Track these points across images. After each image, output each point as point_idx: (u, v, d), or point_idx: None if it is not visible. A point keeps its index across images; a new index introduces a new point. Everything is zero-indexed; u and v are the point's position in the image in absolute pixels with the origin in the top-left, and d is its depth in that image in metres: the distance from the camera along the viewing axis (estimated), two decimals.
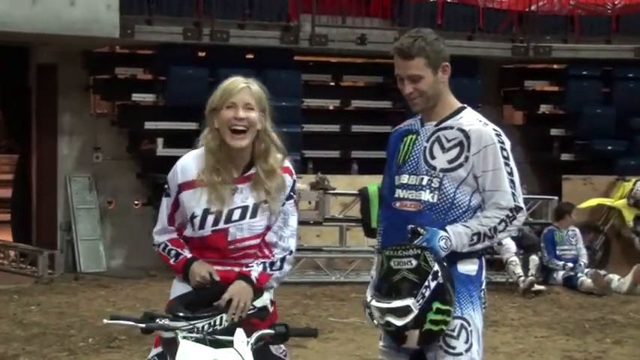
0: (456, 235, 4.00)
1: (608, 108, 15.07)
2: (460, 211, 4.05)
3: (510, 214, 4.04)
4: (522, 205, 4.09)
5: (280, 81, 13.47)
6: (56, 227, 13.20)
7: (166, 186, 4.00)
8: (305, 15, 13.53)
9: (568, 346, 8.78)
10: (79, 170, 13.40)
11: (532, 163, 15.31)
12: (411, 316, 3.89)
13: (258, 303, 3.73)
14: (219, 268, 3.89)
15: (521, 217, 4.08)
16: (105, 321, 3.55)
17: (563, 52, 14.85)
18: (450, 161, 4.06)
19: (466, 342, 4.03)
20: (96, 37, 11.98)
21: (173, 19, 12.88)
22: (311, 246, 12.30)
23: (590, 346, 8.78)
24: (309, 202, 12.38)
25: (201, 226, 3.87)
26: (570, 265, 11.99)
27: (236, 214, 3.86)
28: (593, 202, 13.68)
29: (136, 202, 13.48)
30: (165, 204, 3.99)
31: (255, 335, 3.53)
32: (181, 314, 3.58)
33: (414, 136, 4.18)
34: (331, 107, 15.00)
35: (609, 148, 14.88)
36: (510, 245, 11.56)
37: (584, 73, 15.01)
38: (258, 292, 3.81)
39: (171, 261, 3.96)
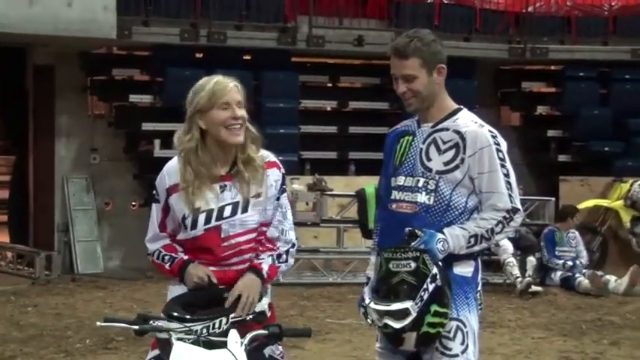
0: (453, 238, 4.00)
1: (605, 109, 15.08)
2: (456, 213, 4.05)
3: (507, 216, 4.04)
4: (519, 206, 4.09)
5: (277, 82, 13.52)
6: (53, 228, 13.19)
7: (154, 192, 4.01)
8: (302, 16, 13.54)
9: (565, 347, 8.78)
10: (76, 171, 13.40)
11: (529, 165, 15.32)
12: (409, 319, 3.89)
13: (257, 307, 3.73)
14: (215, 268, 3.89)
15: (518, 219, 4.08)
16: (99, 323, 3.55)
17: (560, 54, 14.86)
18: (446, 163, 4.06)
19: (462, 343, 4.04)
20: (93, 38, 11.99)
21: (170, 21, 12.88)
22: (308, 247, 12.29)
23: (587, 347, 8.78)
24: (307, 204, 12.38)
25: (194, 225, 3.88)
26: (570, 263, 12.00)
27: (227, 211, 3.88)
28: (590, 203, 13.68)
29: (133, 203, 13.48)
30: (156, 210, 4.00)
31: (248, 336, 3.53)
32: (178, 315, 3.58)
33: (411, 138, 4.18)
34: (328, 108, 15.00)
35: (606, 149, 14.89)
36: (507, 246, 11.56)
37: (581, 74, 15.02)
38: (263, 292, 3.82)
39: (167, 266, 3.96)
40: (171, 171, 3.95)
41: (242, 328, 3.61)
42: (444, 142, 4.09)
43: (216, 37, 12.92)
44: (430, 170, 4.08)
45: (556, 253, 12.15)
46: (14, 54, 13.34)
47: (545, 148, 15.36)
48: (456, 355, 4.03)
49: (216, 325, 3.58)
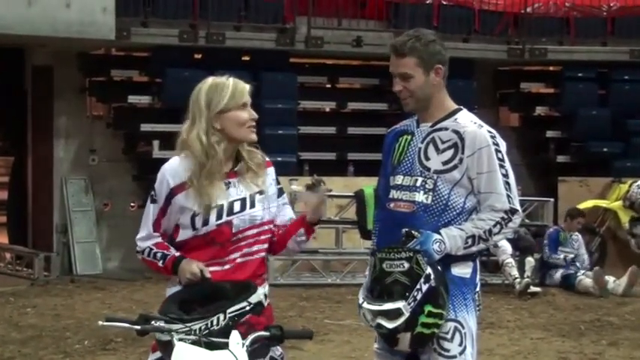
0: (450, 238, 3.99)
1: (603, 110, 15.09)
2: (454, 212, 4.05)
3: (505, 217, 4.03)
4: (518, 207, 4.08)
5: (276, 83, 13.50)
6: (52, 230, 13.20)
7: (153, 192, 4.01)
8: (301, 17, 13.54)
9: (564, 347, 8.78)
10: (74, 172, 13.40)
11: (528, 165, 15.33)
12: (402, 319, 3.88)
13: (253, 299, 3.71)
14: (218, 268, 3.91)
15: (517, 220, 4.07)
16: (100, 323, 3.55)
17: (558, 54, 14.87)
18: (445, 163, 4.06)
19: (460, 344, 4.03)
20: (92, 39, 11.99)
21: (169, 22, 12.88)
22: (307, 248, 12.27)
23: (585, 347, 8.78)
24: (305, 204, 12.37)
25: (205, 222, 3.91)
26: (571, 256, 12.02)
27: (236, 206, 3.95)
28: (589, 203, 13.69)
29: (132, 204, 13.48)
30: (152, 210, 4.00)
31: (250, 337, 3.53)
32: (175, 316, 3.57)
33: (409, 137, 4.18)
34: (327, 109, 15.01)
35: (605, 150, 14.90)
36: (506, 247, 11.56)
37: (580, 75, 15.02)
38: (261, 285, 3.83)
39: (159, 263, 3.97)
40: (175, 171, 3.96)
41: (245, 325, 3.61)
42: (443, 142, 4.08)
43: (214, 38, 12.93)
44: (428, 169, 4.07)
45: (558, 252, 12.15)
46: (13, 55, 13.36)
47: (544, 149, 15.37)
48: (454, 357, 4.02)
49: (215, 322, 3.57)
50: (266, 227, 4.02)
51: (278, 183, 4.14)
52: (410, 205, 4.08)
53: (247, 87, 3.99)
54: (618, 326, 9.75)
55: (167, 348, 3.48)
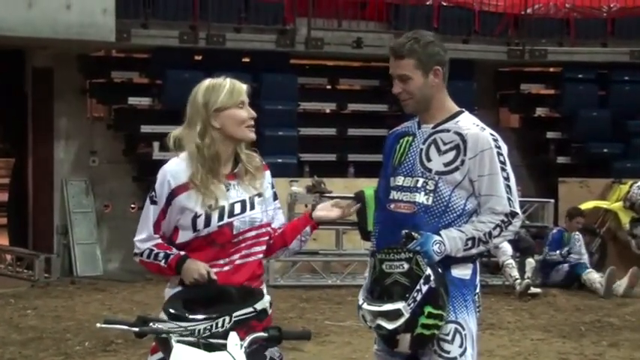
0: (450, 240, 3.99)
1: (603, 111, 15.10)
2: (455, 214, 4.04)
3: (506, 220, 4.03)
4: (518, 210, 4.07)
5: (276, 84, 13.52)
6: (52, 231, 13.20)
7: (153, 194, 4.00)
8: (301, 18, 13.54)
9: (564, 348, 8.78)
10: (75, 174, 13.40)
11: (528, 166, 15.34)
12: (401, 320, 3.88)
13: (259, 305, 3.72)
14: (218, 269, 3.92)
15: (517, 223, 4.06)
16: (99, 325, 3.55)
17: (558, 55, 14.88)
18: (446, 164, 4.06)
19: (460, 346, 4.03)
20: (92, 40, 12.00)
21: (169, 23, 12.88)
22: (307, 249, 12.24)
23: (586, 348, 8.78)
24: (306, 206, 12.36)
25: (207, 223, 3.92)
26: (566, 249, 12.02)
27: (237, 208, 3.96)
28: (589, 204, 13.68)
29: (132, 205, 13.48)
30: (152, 211, 4.00)
31: (248, 338, 3.53)
32: (180, 314, 3.58)
33: (411, 138, 4.18)
34: (327, 110, 15.02)
35: (605, 150, 14.91)
36: (507, 248, 11.55)
37: (580, 76, 15.04)
38: (260, 295, 3.83)
39: (162, 263, 3.95)
40: (176, 172, 3.96)
41: (243, 328, 3.62)
42: (445, 143, 4.08)
43: (215, 40, 12.94)
44: (430, 171, 4.07)
45: (569, 248, 12.13)
46: (13, 57, 13.35)
47: (545, 150, 15.38)
48: (454, 358, 4.01)
49: (219, 325, 3.57)
50: (264, 229, 4.04)
51: (273, 187, 4.15)
52: (410, 206, 4.08)
53: (245, 87, 4.01)
54: (619, 327, 9.75)
55: (167, 348, 3.48)
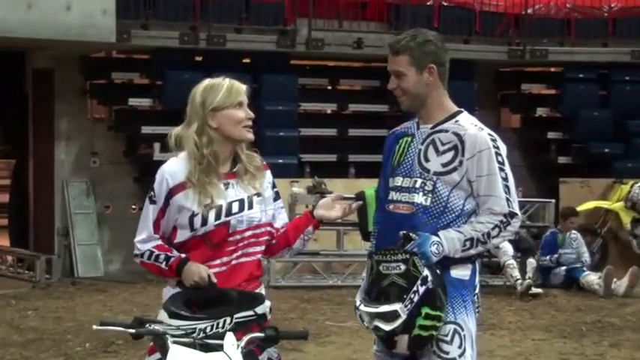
0: (448, 241, 3.97)
1: (604, 111, 15.09)
2: (453, 215, 4.03)
3: (504, 220, 4.01)
4: (517, 210, 4.05)
5: (277, 85, 13.52)
6: (53, 232, 13.20)
7: (152, 193, 4.01)
8: (301, 19, 13.54)
9: (565, 349, 8.77)
10: (76, 175, 13.41)
11: (529, 167, 15.33)
12: (399, 321, 3.87)
13: (260, 309, 3.71)
14: (216, 270, 3.91)
15: (516, 223, 4.04)
16: (95, 327, 3.55)
17: (559, 55, 14.87)
18: (444, 165, 4.04)
19: (459, 347, 4.01)
20: (92, 42, 12.01)
21: (169, 24, 12.88)
22: (308, 250, 12.24)
23: (587, 348, 8.77)
24: (306, 206, 12.36)
25: (204, 222, 3.92)
26: (556, 256, 12.00)
27: (235, 207, 3.96)
28: (590, 204, 13.68)
29: (133, 206, 13.48)
30: (151, 211, 4.00)
31: (245, 339, 3.52)
32: (180, 312, 3.57)
33: (410, 139, 4.17)
34: (328, 111, 15.02)
35: (606, 150, 14.90)
36: (508, 248, 11.55)
37: (581, 76, 15.03)
38: (261, 301, 3.82)
39: (163, 265, 3.95)
40: (174, 171, 3.97)
41: (242, 329, 3.61)
42: (443, 144, 4.07)
43: (215, 41, 12.94)
44: (428, 171, 4.06)
45: (559, 254, 12.11)
46: (14, 58, 13.35)
47: (546, 150, 15.37)
48: (453, 359, 4.00)
49: (220, 325, 3.57)
50: (263, 229, 4.03)
51: (274, 187, 4.14)
52: (409, 206, 4.07)
53: (244, 87, 4.02)
54: (620, 327, 9.74)
55: (163, 349, 3.48)
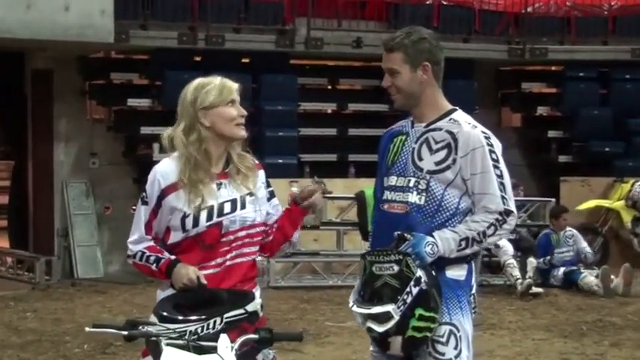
0: (443, 241, 3.93)
1: (605, 109, 15.07)
2: (448, 213, 3.99)
3: (500, 218, 3.97)
4: (513, 208, 4.01)
5: (276, 85, 13.50)
6: (53, 233, 13.19)
7: (144, 194, 3.99)
8: (300, 18, 13.51)
9: (565, 348, 8.74)
10: (75, 176, 13.39)
11: (529, 165, 15.31)
12: (391, 323, 3.83)
13: (250, 307, 3.69)
14: (210, 271, 3.88)
15: (512, 221, 4.00)
16: (87, 329, 3.52)
17: (559, 54, 14.84)
18: (438, 163, 4.01)
19: (455, 348, 3.97)
20: (91, 42, 11.99)
21: (168, 24, 12.86)
22: (308, 250, 12.28)
23: (587, 348, 8.74)
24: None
25: (195, 223, 3.89)
26: (548, 258, 11.96)
27: (227, 207, 3.93)
28: (591, 203, 13.66)
29: (133, 207, 13.24)
30: (144, 212, 3.97)
31: (239, 340, 3.50)
32: (170, 316, 3.54)
33: (404, 137, 4.14)
34: (328, 111, 14.99)
35: (607, 149, 14.88)
36: (508, 248, 11.53)
37: (581, 74, 15.01)
38: (252, 298, 3.79)
39: (153, 267, 3.93)
40: (165, 171, 3.95)
41: (234, 330, 3.58)
42: (437, 142, 4.04)
43: (214, 41, 12.91)
44: (421, 170, 4.03)
45: (551, 256, 12.06)
46: (13, 59, 13.33)
47: (546, 149, 15.35)
48: None
49: (210, 326, 3.54)
50: (257, 229, 4.00)
51: (269, 186, 4.11)
52: (403, 206, 4.03)
53: (235, 85, 3.99)
54: (621, 327, 9.70)
55: (156, 352, 3.45)
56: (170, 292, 3.90)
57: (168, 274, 3.89)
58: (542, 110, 15.54)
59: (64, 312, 10.25)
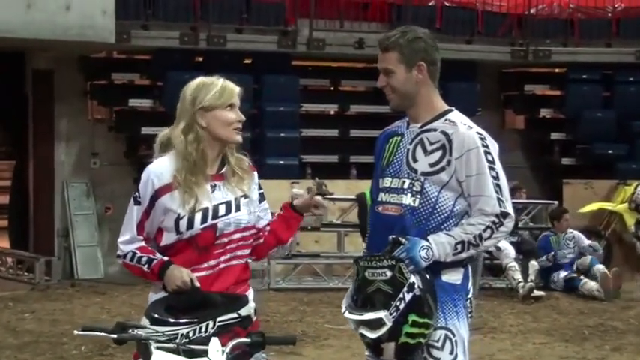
0: (438, 245, 3.85)
1: (608, 112, 15.03)
2: (443, 216, 3.91)
3: (496, 221, 3.88)
4: (510, 210, 3.92)
5: (278, 86, 13.47)
6: (54, 234, 13.17)
7: (137, 194, 3.93)
8: (302, 19, 13.48)
9: (566, 352, 8.68)
10: (76, 176, 13.37)
11: (532, 168, 15.26)
12: (384, 329, 3.76)
13: (243, 311, 3.65)
14: (203, 273, 3.84)
15: (509, 224, 3.91)
16: (76, 332, 3.48)
17: (562, 56, 14.81)
18: (432, 165, 3.94)
19: (451, 353, 3.90)
20: (92, 42, 11.96)
21: (169, 24, 12.84)
22: (309, 252, 12.24)
23: (588, 352, 8.68)
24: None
25: (190, 225, 3.84)
26: (552, 254, 11.90)
27: (222, 210, 3.89)
28: (594, 206, 13.61)
29: None
30: (136, 212, 3.92)
31: (230, 344, 3.45)
32: (162, 318, 3.50)
33: (399, 138, 4.08)
34: (330, 112, 14.94)
35: (610, 152, 14.84)
36: (509, 250, 11.49)
37: (584, 76, 14.99)
38: (245, 302, 3.74)
39: (145, 268, 3.87)
40: (160, 172, 3.89)
41: (226, 334, 3.54)
42: (431, 143, 3.97)
43: (215, 41, 12.89)
44: (416, 172, 3.96)
45: (558, 256, 12.01)
46: (14, 59, 13.31)
47: (549, 151, 15.30)
48: None
49: (203, 329, 3.50)
50: (251, 232, 3.96)
51: (260, 188, 4.07)
52: (397, 208, 3.96)
53: (237, 89, 3.93)
54: (622, 331, 9.65)
55: (147, 354, 3.40)
56: (163, 294, 3.85)
57: (160, 275, 3.84)
58: (545, 112, 15.50)
59: (63, 313, 10.21)
